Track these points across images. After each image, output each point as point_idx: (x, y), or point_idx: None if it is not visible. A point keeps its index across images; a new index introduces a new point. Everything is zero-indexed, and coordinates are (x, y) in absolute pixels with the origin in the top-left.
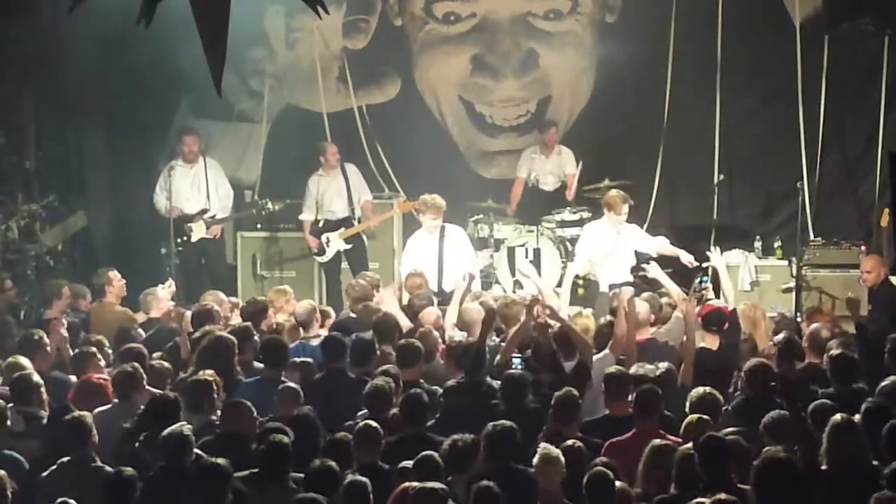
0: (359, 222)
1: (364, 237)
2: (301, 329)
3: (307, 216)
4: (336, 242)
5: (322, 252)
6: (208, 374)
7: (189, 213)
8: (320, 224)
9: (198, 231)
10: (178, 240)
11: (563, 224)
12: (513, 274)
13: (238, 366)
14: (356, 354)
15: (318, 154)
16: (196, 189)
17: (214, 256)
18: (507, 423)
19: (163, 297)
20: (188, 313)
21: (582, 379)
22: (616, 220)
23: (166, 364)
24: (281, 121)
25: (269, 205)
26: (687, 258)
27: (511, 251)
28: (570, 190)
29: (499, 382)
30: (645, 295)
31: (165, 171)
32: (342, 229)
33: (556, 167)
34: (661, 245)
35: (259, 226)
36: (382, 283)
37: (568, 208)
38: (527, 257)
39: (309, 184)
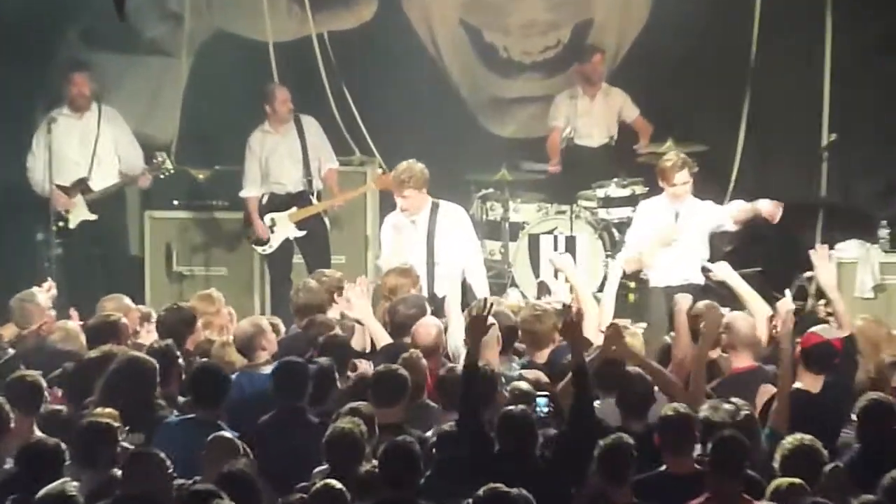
0: (318, 199)
1: (325, 220)
2: (241, 356)
3: (250, 191)
4: (284, 227)
5: (264, 241)
6: (106, 413)
7: (65, 183)
8: (263, 200)
9: (77, 212)
10: (58, 224)
11: (608, 202)
12: (536, 273)
13: (161, 399)
14: (312, 388)
15: (263, 102)
16: (87, 148)
17: (111, 245)
18: (511, 492)
19: (44, 303)
20: (71, 326)
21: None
22: (672, 194)
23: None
24: (208, 54)
25: (194, 173)
26: (767, 209)
27: (534, 241)
28: (644, 138)
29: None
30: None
31: (44, 125)
32: (293, 209)
33: (603, 113)
34: (734, 211)
35: (176, 202)
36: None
37: (615, 180)
38: (556, 249)
39: (250, 143)
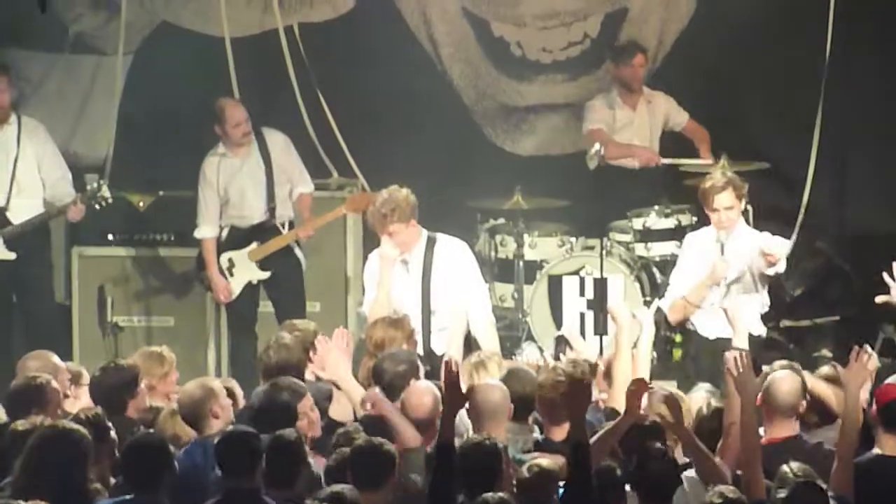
0: (288, 229)
1: (299, 256)
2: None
3: (206, 231)
4: (244, 268)
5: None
6: None
7: None
8: (222, 234)
9: None
10: None
11: (648, 235)
12: (557, 323)
13: (95, 481)
14: (273, 466)
15: (217, 122)
16: (3, 171)
17: (32, 290)
18: None
19: None
20: None
21: None
22: (716, 221)
23: None
24: (150, 52)
25: (134, 200)
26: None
27: (555, 283)
28: (703, 147)
29: None
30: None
31: None
32: (253, 244)
33: (646, 126)
34: (763, 244)
35: (111, 236)
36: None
37: (656, 207)
38: (583, 294)
39: (204, 170)
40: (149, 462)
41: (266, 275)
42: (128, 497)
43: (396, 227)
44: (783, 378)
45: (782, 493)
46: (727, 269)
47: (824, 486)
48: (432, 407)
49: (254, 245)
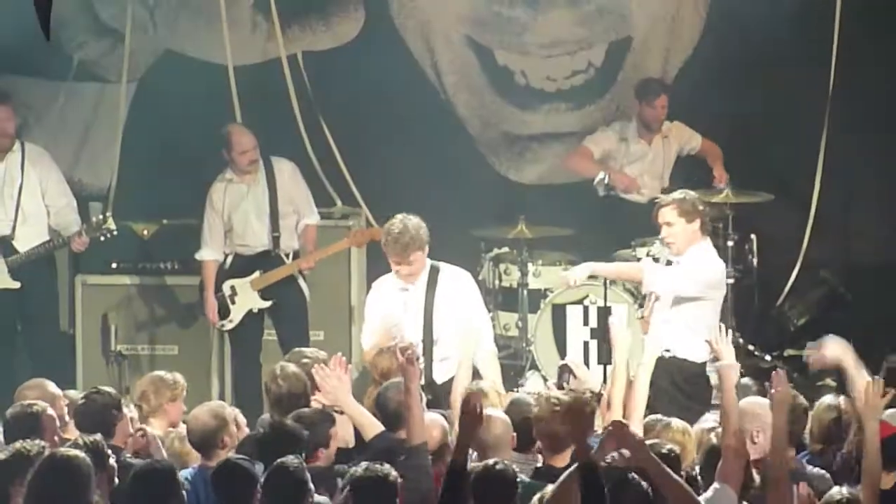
0: (292, 259)
1: (303, 286)
2: (198, 452)
3: (208, 253)
4: (246, 296)
5: (221, 311)
6: None
7: None
8: (227, 263)
9: None
10: None
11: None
12: (562, 352)
13: None
14: (275, 494)
15: (224, 147)
16: (9, 199)
17: (36, 319)
18: None
19: None
20: None
21: None
22: (662, 236)
23: None
24: (154, 80)
25: (138, 229)
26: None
27: (559, 312)
28: (717, 167)
29: None
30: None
31: None
32: (256, 273)
33: (659, 159)
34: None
35: (115, 264)
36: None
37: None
38: (587, 322)
39: (211, 195)
40: (157, 489)
41: (267, 304)
42: None
43: (417, 255)
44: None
45: None
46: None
47: None
48: (440, 438)
49: (256, 274)
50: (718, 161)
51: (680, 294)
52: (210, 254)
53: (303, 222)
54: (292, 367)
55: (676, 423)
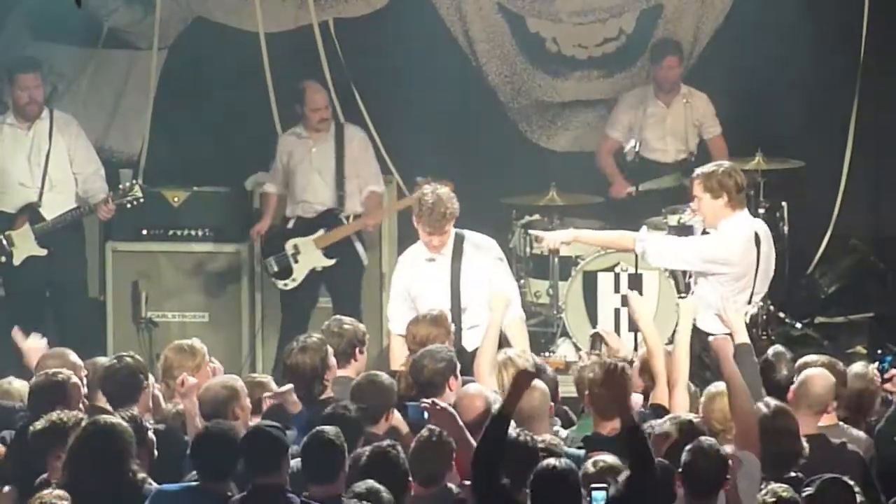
0: (350, 221)
1: (361, 252)
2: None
3: (269, 187)
4: (309, 254)
5: (284, 271)
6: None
7: (8, 210)
8: (290, 224)
9: (22, 245)
10: (0, 259)
11: (683, 232)
12: (593, 320)
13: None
14: (315, 461)
15: (297, 101)
16: (36, 167)
17: (66, 286)
18: None
19: None
20: (10, 387)
21: None
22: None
23: None
24: (184, 48)
25: (168, 196)
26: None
27: (590, 280)
28: None
29: None
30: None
31: None
32: (320, 231)
33: (680, 123)
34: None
35: (144, 231)
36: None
37: (692, 204)
38: (619, 289)
39: (279, 146)
40: (220, 453)
41: (331, 262)
42: (194, 483)
43: (450, 226)
44: (817, 375)
45: (809, 490)
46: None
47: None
48: (482, 411)
49: (320, 232)
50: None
51: (670, 267)
52: (272, 188)
53: (368, 188)
54: (311, 340)
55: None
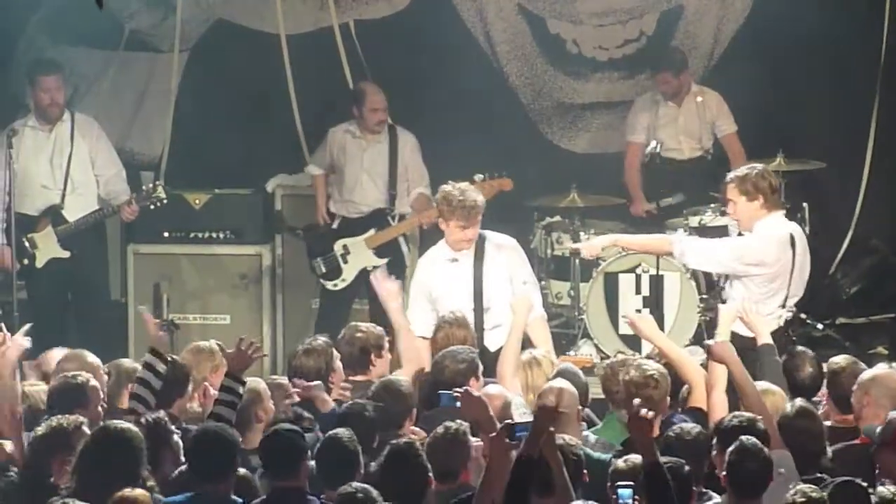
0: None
1: (405, 253)
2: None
3: (315, 169)
4: (360, 254)
5: (333, 271)
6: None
7: (31, 212)
8: (335, 223)
9: (45, 247)
10: (22, 262)
11: (704, 233)
12: (614, 322)
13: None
14: (328, 465)
15: (354, 102)
16: (58, 169)
17: (88, 288)
18: None
19: None
20: (29, 388)
21: None
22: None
23: None
24: (206, 50)
25: (189, 198)
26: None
27: (611, 281)
28: (733, 163)
29: None
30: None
31: (2, 142)
32: (371, 231)
33: (693, 121)
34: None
35: (166, 234)
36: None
37: (713, 205)
38: (639, 291)
39: (328, 136)
40: (219, 454)
41: (383, 261)
42: (191, 494)
43: (460, 221)
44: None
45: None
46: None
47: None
48: (500, 410)
49: (371, 232)
50: (738, 160)
51: (705, 269)
52: (317, 169)
53: (416, 191)
54: (317, 342)
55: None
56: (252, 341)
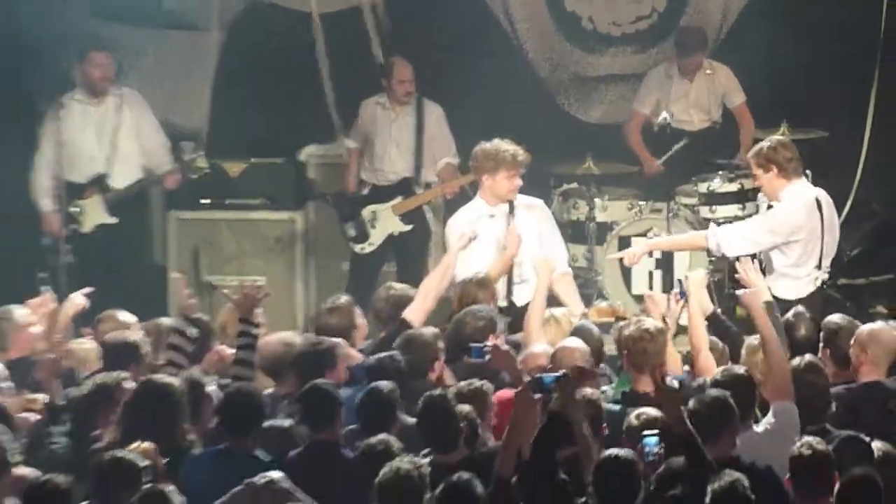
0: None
1: (430, 221)
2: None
3: (353, 143)
4: (386, 220)
5: (361, 235)
6: (144, 447)
7: (79, 180)
8: (365, 190)
9: (92, 213)
10: (69, 228)
11: (712, 199)
12: (627, 282)
13: (190, 434)
14: (367, 416)
15: (383, 75)
16: (104, 140)
17: (131, 252)
18: None
19: (24, 322)
20: (76, 346)
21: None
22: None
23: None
24: (242, 27)
25: (227, 167)
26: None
27: (625, 244)
28: (744, 143)
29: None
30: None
31: (52, 114)
32: (398, 199)
33: (704, 95)
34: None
35: (204, 201)
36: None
37: (721, 172)
38: (651, 255)
39: (360, 110)
40: (244, 411)
41: (408, 227)
42: (221, 446)
43: (511, 171)
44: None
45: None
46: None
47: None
48: (540, 369)
49: (398, 199)
50: (748, 131)
51: (744, 253)
52: (352, 143)
53: (443, 160)
54: (341, 301)
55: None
56: (257, 285)
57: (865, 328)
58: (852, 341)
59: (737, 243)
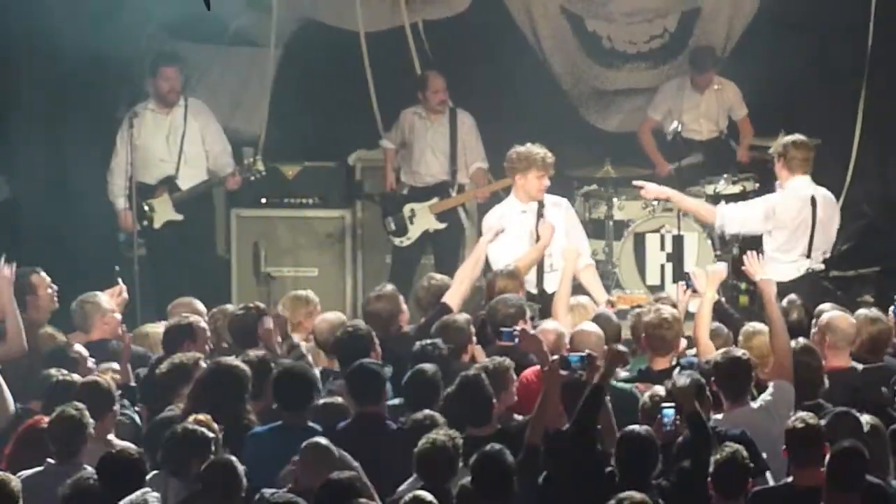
0: (457, 193)
1: (464, 220)
2: (323, 354)
3: (390, 143)
4: (424, 217)
5: (400, 229)
6: (200, 419)
7: (150, 181)
8: (405, 191)
9: (162, 211)
10: (142, 224)
11: (718, 199)
12: (642, 274)
13: (255, 415)
14: (414, 394)
15: (419, 87)
16: (173, 145)
17: (197, 245)
18: None
19: (108, 307)
20: (150, 330)
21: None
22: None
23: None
24: (297, 44)
25: (284, 170)
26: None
27: (640, 240)
28: (743, 147)
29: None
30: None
31: (126, 122)
32: (434, 199)
33: (713, 107)
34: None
35: (263, 200)
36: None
37: (725, 175)
38: (663, 248)
39: (399, 119)
40: (297, 388)
41: (442, 225)
42: (279, 423)
43: (540, 172)
44: (842, 315)
45: (822, 421)
46: None
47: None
48: (554, 342)
49: (434, 200)
50: (747, 140)
51: (740, 231)
52: (389, 144)
53: (474, 165)
54: (386, 289)
55: (758, 326)
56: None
57: (825, 316)
58: (814, 329)
59: (736, 222)
